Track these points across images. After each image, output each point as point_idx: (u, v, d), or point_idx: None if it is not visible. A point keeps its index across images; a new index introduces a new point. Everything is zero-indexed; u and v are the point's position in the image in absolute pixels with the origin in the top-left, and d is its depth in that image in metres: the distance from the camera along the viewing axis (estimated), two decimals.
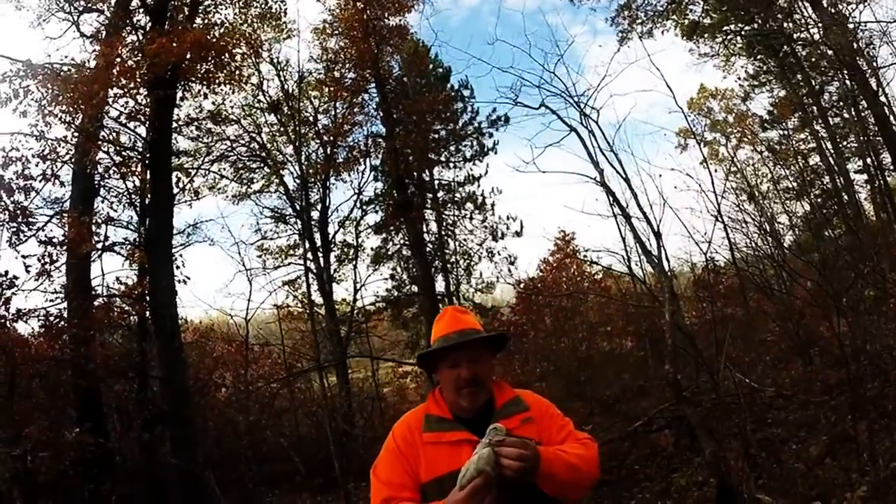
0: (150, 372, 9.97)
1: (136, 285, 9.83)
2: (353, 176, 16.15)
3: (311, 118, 15.24)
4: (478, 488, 1.57)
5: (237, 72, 10.08)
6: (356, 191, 16.25)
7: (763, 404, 7.69)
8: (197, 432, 9.53)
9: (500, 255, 17.81)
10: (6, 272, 7.20)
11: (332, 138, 14.73)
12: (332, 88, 14.50)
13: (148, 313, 10.02)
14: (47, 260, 7.86)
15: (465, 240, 18.25)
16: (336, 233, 16.18)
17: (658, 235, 9.31)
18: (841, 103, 16.71)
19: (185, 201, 10.99)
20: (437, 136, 17.60)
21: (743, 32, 16.11)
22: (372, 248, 17.99)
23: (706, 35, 16.65)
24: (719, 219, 8.42)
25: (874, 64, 12.34)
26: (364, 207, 17.01)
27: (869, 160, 16.93)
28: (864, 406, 5.64)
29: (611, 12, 15.88)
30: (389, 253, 18.36)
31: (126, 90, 8.47)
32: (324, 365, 13.31)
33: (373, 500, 1.84)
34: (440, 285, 17.14)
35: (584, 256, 14.91)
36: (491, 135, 17.99)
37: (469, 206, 18.37)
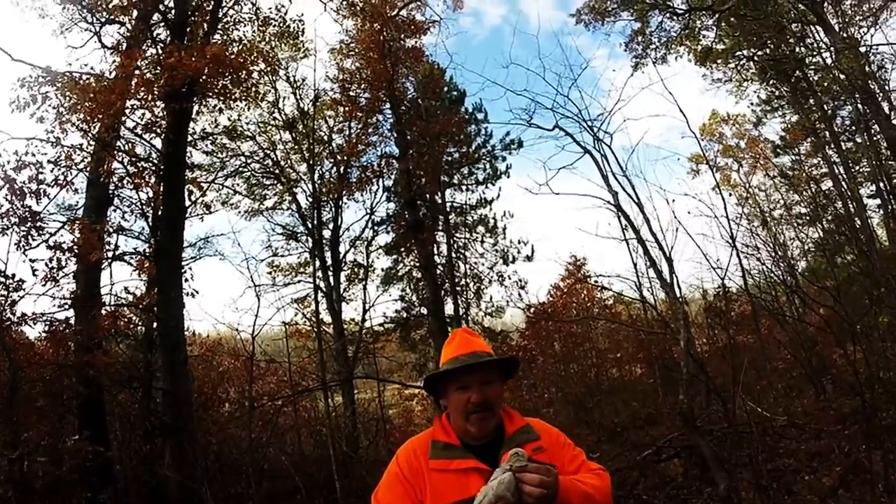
0: (154, 383, 9.95)
1: (145, 296, 9.86)
2: (366, 196, 16.35)
3: (325, 137, 15.48)
4: None
5: (254, 88, 10.24)
6: (368, 211, 16.44)
7: (775, 434, 7.58)
8: (198, 446, 9.43)
9: (510, 279, 17.76)
10: (13, 275, 7.26)
11: (345, 158, 14.90)
12: (346, 108, 14.73)
13: (155, 324, 10.03)
14: (55, 265, 7.91)
15: (475, 263, 18.31)
16: (347, 252, 16.26)
17: (670, 261, 9.22)
18: (853, 128, 16.66)
19: (198, 215, 11.12)
20: (450, 158, 17.77)
21: (755, 58, 16.22)
22: (382, 269, 18.11)
23: (719, 61, 16.77)
24: (732, 245, 8.33)
25: (886, 87, 12.32)
26: (376, 228, 17.21)
27: (882, 185, 16.77)
28: (878, 435, 5.55)
29: (625, 38, 16.09)
30: (399, 274, 18.43)
31: (143, 102, 8.62)
32: (329, 385, 13.23)
33: None
34: (449, 308, 17.09)
35: (596, 281, 14.79)
36: (504, 158, 18.21)
37: (480, 229, 18.46)
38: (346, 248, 16.21)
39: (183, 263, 10.32)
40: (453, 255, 17.63)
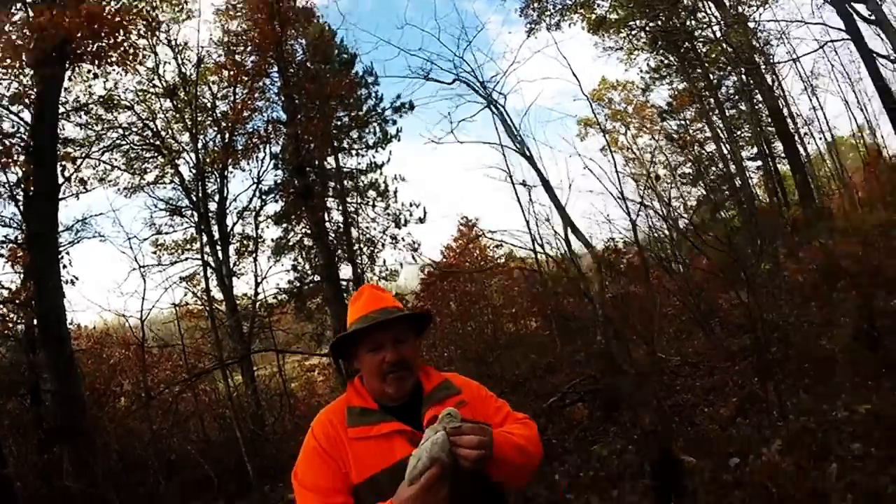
0: (42, 385, 9.07)
1: (21, 290, 8.90)
2: (252, 164, 15.64)
3: (208, 104, 14.61)
4: (433, 479, 1.41)
5: (132, 51, 9.30)
6: (255, 180, 15.75)
7: (671, 373, 8.19)
8: (97, 448, 8.84)
9: (404, 241, 17.92)
10: None
11: (230, 125, 14.10)
12: (232, 72, 13.84)
13: (35, 320, 9.11)
14: None
15: (367, 227, 18.20)
16: (234, 224, 15.63)
17: (563, 209, 9.91)
18: (737, 96, 18.61)
19: (73, 194, 10.06)
20: (339, 122, 17.37)
21: (647, 28, 17.42)
22: (272, 240, 17.53)
23: (612, 30, 17.83)
24: (622, 198, 9.13)
25: (771, 60, 13.82)
26: (263, 197, 16.53)
27: (762, 148, 18.99)
28: (769, 368, 6.22)
29: (521, 3, 16.48)
30: (290, 244, 17.92)
31: (10, 70, 7.56)
32: (227, 363, 12.79)
33: None
34: (344, 274, 17.07)
35: (490, 237, 15.30)
36: (394, 122, 18.09)
37: (371, 193, 18.37)
38: (234, 220, 15.61)
39: (59, 248, 9.55)
40: (348, 220, 17.48)
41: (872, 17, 11.82)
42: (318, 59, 16.07)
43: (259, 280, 15.41)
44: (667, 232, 11.47)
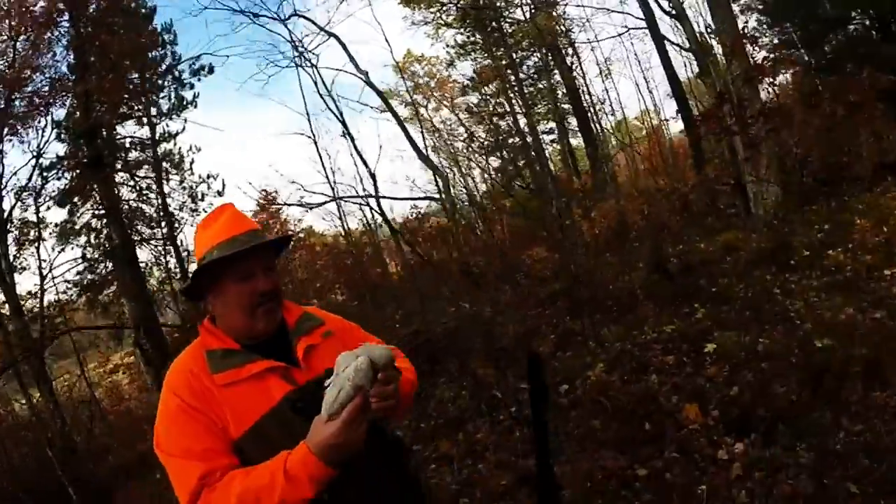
0: None
1: None
2: (32, 136, 13.56)
3: None
4: (357, 411, 1.27)
5: None
6: (35, 153, 13.66)
7: (484, 324, 8.49)
8: None
9: (205, 213, 16.94)
10: None
11: (8, 86, 12.13)
12: (15, 21, 11.79)
13: None
14: None
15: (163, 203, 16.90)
16: (12, 208, 13.47)
17: (374, 176, 10.38)
18: (537, 75, 20.57)
19: None
20: (131, 85, 15.68)
21: (458, 4, 18.55)
22: (56, 224, 15.38)
23: (422, 3, 18.78)
24: (426, 163, 9.90)
25: (573, 45, 15.47)
26: (45, 174, 14.34)
27: (557, 123, 21.15)
28: (580, 307, 7.01)
29: None
30: (78, 227, 15.89)
31: None
32: (17, 360, 11.35)
33: (180, 487, 1.36)
34: (141, 257, 15.73)
35: (300, 201, 15.26)
36: (192, 86, 16.99)
37: (165, 165, 16.98)
38: (11, 203, 13.44)
39: None
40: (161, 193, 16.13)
41: (672, 11, 14.02)
42: (111, 13, 14.28)
43: (45, 273, 13.56)
44: (468, 197, 12.55)
